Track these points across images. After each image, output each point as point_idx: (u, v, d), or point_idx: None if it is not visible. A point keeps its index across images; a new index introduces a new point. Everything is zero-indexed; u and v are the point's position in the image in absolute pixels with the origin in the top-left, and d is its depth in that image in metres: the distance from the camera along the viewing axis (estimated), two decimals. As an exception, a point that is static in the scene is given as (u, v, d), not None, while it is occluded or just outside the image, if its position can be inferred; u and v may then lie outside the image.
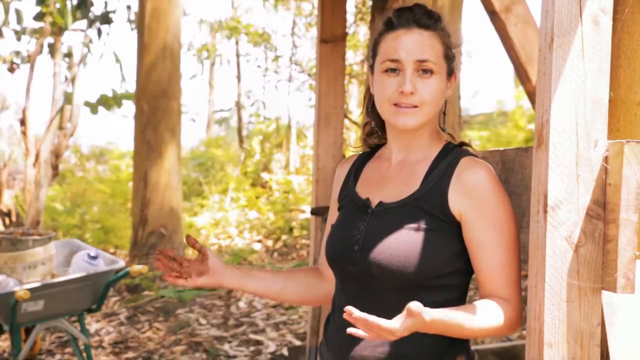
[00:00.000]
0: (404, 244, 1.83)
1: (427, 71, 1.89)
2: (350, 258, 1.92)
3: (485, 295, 1.85)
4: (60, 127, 9.75)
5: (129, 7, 10.26)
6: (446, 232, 1.86)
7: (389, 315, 1.82)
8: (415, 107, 1.89)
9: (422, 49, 1.89)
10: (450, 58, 1.96)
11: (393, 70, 1.90)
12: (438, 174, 1.90)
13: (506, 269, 1.83)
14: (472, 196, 1.84)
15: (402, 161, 2.00)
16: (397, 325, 1.60)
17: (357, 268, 1.90)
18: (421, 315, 1.58)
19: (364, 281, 1.90)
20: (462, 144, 2.03)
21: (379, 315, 1.83)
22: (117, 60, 10.45)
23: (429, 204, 1.87)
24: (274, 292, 2.17)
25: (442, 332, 1.73)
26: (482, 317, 1.78)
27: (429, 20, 1.92)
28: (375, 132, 2.10)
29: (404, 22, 1.92)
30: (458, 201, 1.86)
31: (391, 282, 1.84)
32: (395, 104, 1.90)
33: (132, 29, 10.47)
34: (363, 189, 2.04)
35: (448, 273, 1.86)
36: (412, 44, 1.89)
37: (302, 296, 2.21)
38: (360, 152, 2.19)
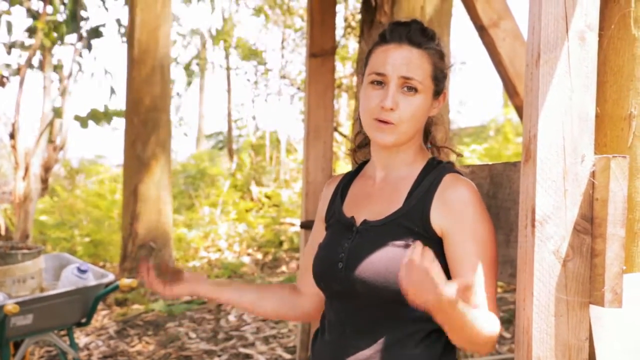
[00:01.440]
0: (387, 261, 1.84)
1: (412, 89, 1.89)
2: (335, 276, 1.93)
3: None
4: (50, 141, 9.74)
5: (118, 20, 10.26)
6: (432, 249, 1.86)
7: (375, 331, 1.83)
8: (393, 124, 1.89)
9: (409, 67, 1.89)
10: (439, 78, 1.95)
11: (378, 83, 1.91)
12: (421, 191, 1.91)
13: (485, 286, 1.82)
14: (453, 213, 1.85)
15: (386, 178, 2.01)
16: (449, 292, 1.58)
17: (342, 285, 1.91)
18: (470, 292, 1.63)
19: (349, 298, 1.90)
20: (448, 162, 2.03)
21: (364, 331, 1.84)
22: (108, 78, 10.45)
23: (412, 221, 1.88)
24: (247, 302, 2.19)
25: (454, 322, 1.67)
26: (484, 322, 1.76)
27: (421, 38, 1.92)
28: (367, 142, 2.11)
29: (396, 36, 1.92)
30: (439, 218, 1.86)
31: (375, 298, 1.84)
32: (376, 118, 1.90)
33: (122, 41, 10.48)
34: (349, 208, 2.04)
35: None
36: (400, 59, 1.89)
37: (276, 311, 2.22)
38: (346, 172, 2.20)
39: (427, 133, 2.06)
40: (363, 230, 1.94)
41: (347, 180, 2.14)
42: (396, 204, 1.93)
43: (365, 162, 2.14)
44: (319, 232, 2.15)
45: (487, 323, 1.78)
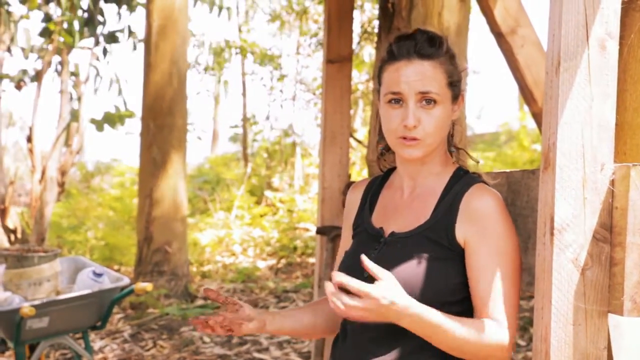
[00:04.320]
0: (411, 273, 1.84)
1: (430, 101, 1.88)
2: None
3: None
4: (67, 144, 9.78)
5: (129, 27, 10.30)
6: (454, 262, 1.86)
7: (395, 339, 1.82)
8: (417, 139, 1.89)
9: (424, 81, 1.88)
10: (455, 83, 1.95)
11: (396, 101, 1.90)
12: (447, 203, 1.91)
13: (504, 295, 1.81)
14: (477, 222, 1.85)
15: (414, 190, 2.01)
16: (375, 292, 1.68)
17: None
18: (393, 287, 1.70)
19: None
20: (474, 173, 2.03)
21: (385, 338, 1.84)
22: (117, 81, 10.47)
23: (437, 233, 1.88)
24: (309, 327, 2.15)
25: (420, 330, 1.76)
26: (467, 327, 1.77)
27: (430, 48, 1.91)
28: (389, 149, 2.11)
29: (405, 52, 1.90)
30: (463, 228, 1.87)
31: None
32: (401, 137, 1.90)
33: (134, 49, 10.51)
34: (378, 219, 2.04)
35: (456, 301, 1.86)
36: (413, 75, 1.88)
37: (333, 327, 2.16)
38: (372, 177, 2.19)
39: (449, 137, 2.06)
40: (390, 241, 1.95)
41: (376, 188, 2.13)
42: (423, 216, 1.94)
43: (391, 169, 2.14)
44: (347, 240, 2.15)
45: (474, 329, 1.78)
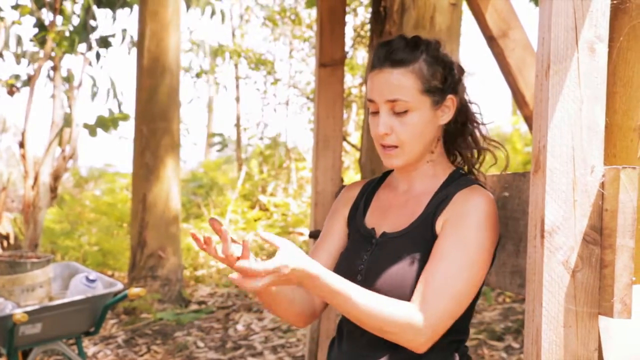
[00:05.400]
0: (403, 274, 1.84)
1: (401, 109, 1.88)
2: None
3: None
4: (60, 148, 9.77)
5: (124, 31, 10.30)
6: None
7: (397, 345, 1.81)
8: (396, 147, 1.90)
9: (391, 89, 1.87)
10: (434, 89, 1.90)
11: (374, 109, 1.92)
12: (438, 200, 1.91)
13: (445, 283, 1.76)
14: (458, 213, 1.84)
15: (409, 191, 2.01)
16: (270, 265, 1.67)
17: None
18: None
19: None
20: (471, 175, 2.02)
21: (381, 341, 1.82)
22: (113, 87, 10.46)
23: (425, 229, 1.88)
24: (290, 303, 2.00)
25: (322, 293, 1.74)
26: (374, 300, 1.75)
27: (404, 54, 1.88)
28: None
29: (377, 61, 1.91)
30: (443, 217, 1.86)
31: None
32: (381, 144, 1.92)
33: (129, 53, 10.52)
34: (371, 219, 2.04)
35: None
36: (382, 84, 1.89)
37: (307, 311, 2.07)
38: (368, 179, 2.19)
39: (452, 141, 2.04)
40: (382, 242, 1.95)
41: (372, 189, 2.13)
42: (414, 216, 1.93)
43: (389, 171, 2.14)
44: (334, 228, 2.12)
45: (385, 307, 1.74)
